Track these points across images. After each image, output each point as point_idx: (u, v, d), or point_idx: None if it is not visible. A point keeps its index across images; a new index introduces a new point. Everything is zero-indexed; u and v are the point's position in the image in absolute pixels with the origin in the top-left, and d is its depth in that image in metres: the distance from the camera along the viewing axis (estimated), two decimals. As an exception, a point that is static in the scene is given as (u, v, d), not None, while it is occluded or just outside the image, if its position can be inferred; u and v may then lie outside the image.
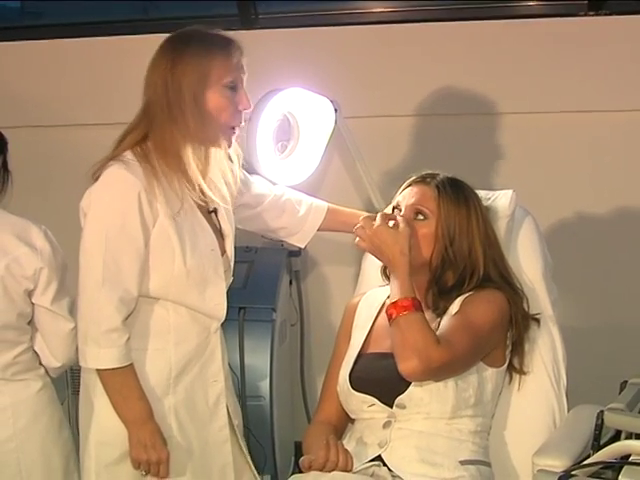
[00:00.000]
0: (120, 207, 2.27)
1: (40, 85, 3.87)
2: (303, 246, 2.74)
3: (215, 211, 2.43)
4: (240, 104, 2.35)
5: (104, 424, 2.37)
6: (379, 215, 2.43)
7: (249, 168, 2.61)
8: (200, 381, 2.42)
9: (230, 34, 2.38)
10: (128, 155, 2.30)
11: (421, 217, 2.43)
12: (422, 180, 2.49)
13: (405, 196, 2.48)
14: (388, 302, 2.40)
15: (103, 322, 2.25)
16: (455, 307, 2.39)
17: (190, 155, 2.33)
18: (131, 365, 2.30)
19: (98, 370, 2.30)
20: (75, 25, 4.04)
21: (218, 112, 2.32)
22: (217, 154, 2.41)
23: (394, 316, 2.27)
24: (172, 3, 4.20)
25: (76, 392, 3.63)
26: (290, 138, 2.83)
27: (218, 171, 2.43)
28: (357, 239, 2.42)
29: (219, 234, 2.43)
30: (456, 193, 2.45)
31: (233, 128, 2.38)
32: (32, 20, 4.64)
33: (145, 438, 2.31)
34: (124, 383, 2.31)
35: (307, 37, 3.59)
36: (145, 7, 4.43)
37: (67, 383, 3.56)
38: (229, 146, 2.40)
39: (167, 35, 2.37)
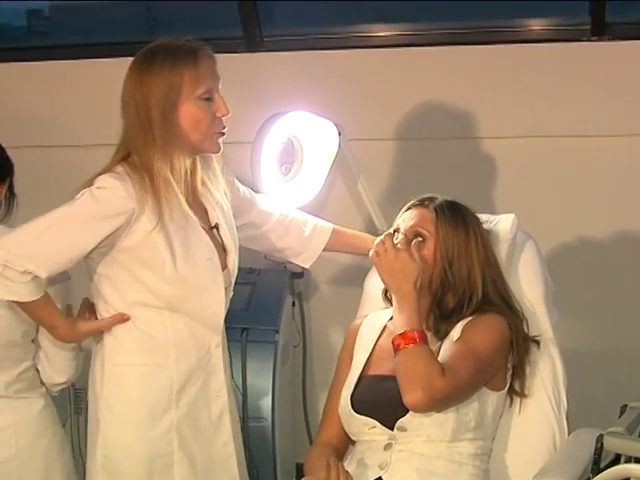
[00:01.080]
0: (101, 205, 2.25)
1: (45, 106, 3.89)
2: (308, 266, 2.75)
3: (217, 227, 2.43)
4: (218, 112, 2.33)
5: (108, 437, 2.38)
6: (401, 237, 2.45)
7: (254, 191, 2.63)
8: (203, 396, 2.42)
9: (197, 42, 2.35)
10: (119, 168, 2.30)
11: (420, 239, 2.44)
12: (421, 203, 2.51)
13: (405, 219, 2.50)
14: (392, 330, 2.41)
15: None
16: (457, 332, 2.39)
17: (168, 171, 2.30)
18: (43, 289, 2.28)
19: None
20: (81, 46, 4.04)
21: (196, 124, 2.30)
22: (207, 165, 2.43)
23: (401, 347, 2.27)
24: (178, 25, 4.22)
25: (78, 411, 3.67)
26: (294, 161, 2.84)
27: (211, 184, 2.44)
28: (372, 252, 2.43)
29: (221, 249, 2.43)
30: (454, 216, 2.46)
31: (218, 133, 2.36)
32: (38, 40, 4.68)
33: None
34: (44, 308, 2.33)
35: (311, 60, 3.60)
36: (151, 29, 4.46)
37: (70, 402, 3.57)
38: (216, 151, 2.39)
39: None
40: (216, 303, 2.41)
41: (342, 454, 2.49)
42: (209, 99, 2.31)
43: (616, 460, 2.30)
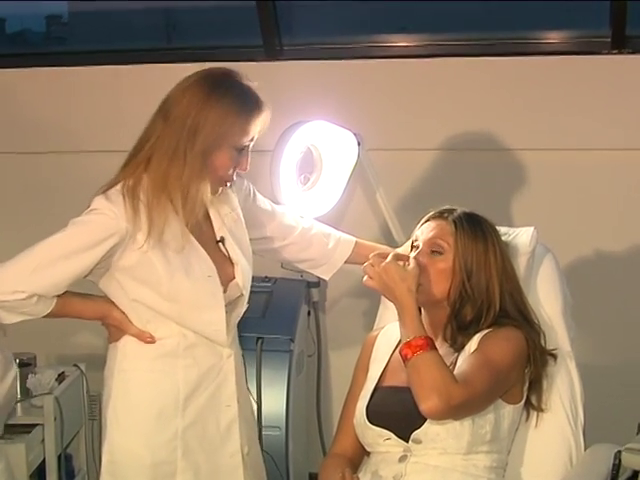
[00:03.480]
0: (93, 229, 2.27)
1: (64, 111, 3.91)
2: (327, 278, 2.74)
3: (222, 240, 2.43)
4: (240, 166, 2.35)
5: (114, 442, 2.40)
6: (391, 254, 2.44)
7: (273, 199, 2.63)
8: (212, 405, 2.42)
9: (259, 96, 2.33)
10: (117, 187, 2.30)
11: (438, 252, 2.44)
12: (440, 215, 2.50)
13: (423, 231, 2.49)
14: (402, 341, 2.39)
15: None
16: (473, 344, 2.38)
17: (178, 191, 2.31)
18: (54, 298, 2.31)
19: None
20: (99, 52, 4.07)
21: (219, 169, 2.32)
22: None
23: (409, 356, 2.25)
24: (196, 33, 4.25)
25: (93, 418, 3.68)
26: (313, 170, 2.85)
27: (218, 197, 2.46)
28: (365, 277, 2.42)
29: (228, 262, 2.43)
30: (473, 228, 2.45)
31: (225, 182, 2.38)
32: (56, 45, 4.72)
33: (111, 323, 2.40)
34: (65, 309, 2.36)
35: (331, 70, 3.61)
36: (169, 36, 4.47)
37: (84, 409, 3.59)
38: (214, 194, 2.39)
39: (204, 68, 2.34)
40: (215, 321, 2.40)
41: (357, 465, 2.48)
42: (241, 152, 2.33)
43: (634, 477, 2.30)
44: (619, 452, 2.29)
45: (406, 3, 3.98)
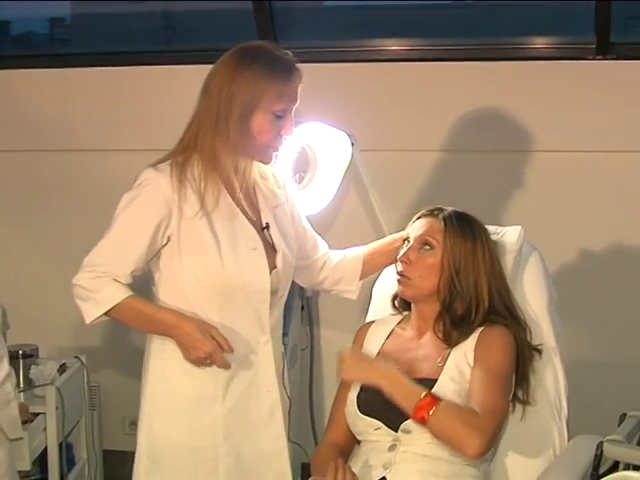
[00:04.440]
0: (143, 198, 2.35)
1: (66, 111, 3.95)
2: (354, 297, 2.76)
3: (267, 227, 2.48)
4: (283, 129, 2.40)
5: (154, 428, 2.44)
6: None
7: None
8: (252, 390, 2.45)
9: (293, 59, 2.42)
10: (167, 162, 2.38)
11: (427, 247, 2.48)
12: (430, 213, 2.55)
13: (414, 228, 2.54)
14: (400, 333, 2.51)
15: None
16: (470, 344, 2.42)
17: (228, 163, 2.39)
18: (128, 297, 2.35)
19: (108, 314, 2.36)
20: (101, 54, 4.10)
21: (260, 134, 2.37)
22: (261, 169, 2.50)
23: (426, 417, 2.26)
24: (195, 35, 4.28)
25: (93, 408, 3.74)
26: (308, 170, 2.89)
27: (268, 185, 2.52)
28: (337, 374, 2.43)
29: (271, 249, 2.47)
30: (462, 226, 2.50)
31: (274, 148, 2.44)
32: (60, 47, 4.72)
33: (184, 341, 2.35)
34: (133, 311, 2.37)
35: (326, 72, 3.62)
36: (168, 38, 4.49)
37: (84, 398, 3.65)
38: (267, 163, 2.47)
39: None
40: (262, 291, 2.43)
41: (348, 455, 2.52)
42: (280, 116, 2.38)
43: (614, 467, 2.34)
44: (601, 443, 2.33)
45: (397, 10, 4.04)
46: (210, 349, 2.33)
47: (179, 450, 2.42)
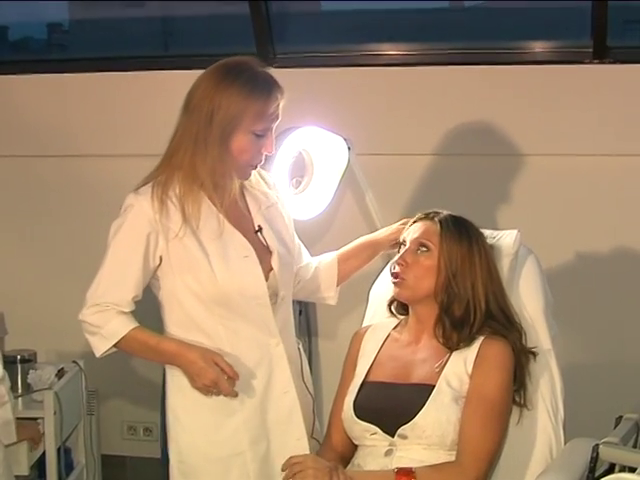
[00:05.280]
0: (130, 222, 2.38)
1: (64, 116, 3.96)
2: (334, 302, 2.79)
3: (260, 229, 2.49)
4: (264, 148, 2.41)
5: (180, 444, 2.47)
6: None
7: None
8: (269, 394, 2.47)
9: (273, 79, 2.41)
10: (150, 184, 2.40)
11: (424, 249, 2.49)
12: (426, 216, 2.56)
13: (410, 232, 2.55)
14: (397, 337, 2.52)
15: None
16: (470, 356, 2.41)
17: (208, 181, 2.39)
18: (133, 329, 2.38)
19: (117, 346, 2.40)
20: (99, 59, 4.11)
21: (240, 154, 2.38)
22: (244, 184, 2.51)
23: None
24: (192, 40, 4.30)
25: (91, 412, 3.74)
26: (304, 174, 2.91)
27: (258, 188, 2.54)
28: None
29: (266, 251, 2.48)
30: (458, 229, 2.51)
31: (253, 166, 2.45)
32: (58, 53, 4.73)
33: (189, 370, 2.38)
34: (138, 343, 2.40)
35: (323, 77, 3.65)
36: (166, 44, 4.51)
37: (82, 403, 3.65)
38: (245, 179, 2.48)
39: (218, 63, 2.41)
40: (260, 295, 2.43)
41: (347, 460, 2.51)
42: (261, 136, 2.38)
43: (610, 469, 2.32)
44: (597, 446, 2.32)
45: (395, 14, 4.06)
46: (214, 376, 2.36)
47: (207, 461, 2.46)
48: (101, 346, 2.39)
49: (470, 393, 2.38)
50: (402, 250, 2.53)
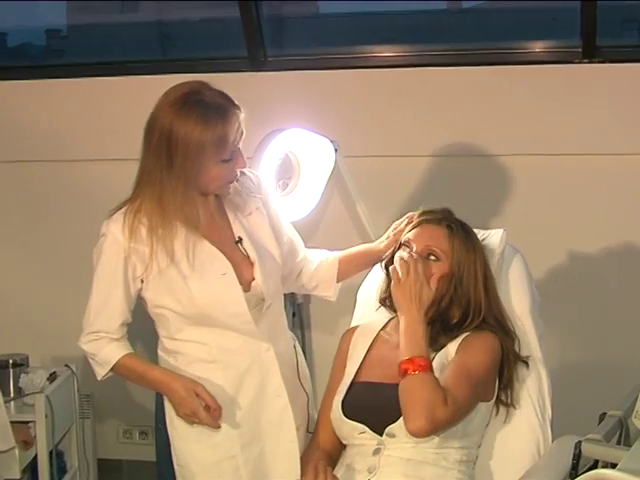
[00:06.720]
0: (105, 249, 2.42)
1: (63, 121, 3.97)
2: (334, 299, 2.80)
3: (240, 240, 2.49)
4: (237, 166, 2.40)
5: (177, 449, 2.51)
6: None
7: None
8: (261, 398, 2.49)
9: (227, 102, 2.34)
10: (122, 209, 2.41)
11: (433, 258, 2.48)
12: (432, 220, 2.55)
13: (416, 235, 2.53)
14: (387, 338, 2.50)
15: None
16: (452, 347, 2.43)
17: (178, 213, 2.38)
18: (123, 357, 2.45)
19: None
20: (97, 64, 4.14)
21: (212, 182, 2.38)
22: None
23: (408, 372, 2.29)
24: (189, 44, 4.32)
25: (84, 416, 3.75)
26: (291, 176, 2.92)
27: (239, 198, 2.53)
28: (393, 270, 2.44)
29: (248, 262, 2.48)
30: (466, 236, 2.52)
31: (229, 183, 2.44)
32: (56, 58, 4.75)
33: (172, 398, 2.44)
34: (127, 370, 2.47)
35: (310, 80, 3.65)
36: (164, 48, 4.53)
37: (75, 407, 3.65)
38: (227, 195, 2.47)
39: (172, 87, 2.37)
40: (241, 313, 2.44)
41: (335, 459, 2.53)
42: (230, 160, 2.37)
43: (595, 466, 2.32)
44: (579, 442, 2.32)
45: (391, 15, 4.07)
46: (193, 407, 2.40)
47: (202, 466, 2.49)
48: (100, 371, 2.47)
49: (453, 359, 2.40)
50: (402, 251, 2.51)
